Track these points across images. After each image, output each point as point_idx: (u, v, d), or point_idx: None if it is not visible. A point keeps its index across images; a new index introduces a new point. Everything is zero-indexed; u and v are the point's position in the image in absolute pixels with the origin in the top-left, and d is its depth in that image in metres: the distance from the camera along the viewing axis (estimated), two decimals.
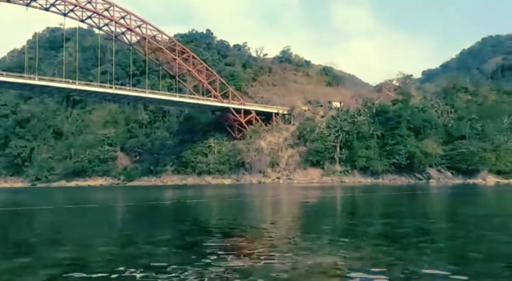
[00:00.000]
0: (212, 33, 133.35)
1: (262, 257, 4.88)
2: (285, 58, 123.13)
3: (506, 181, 60.54)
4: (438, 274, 3.99)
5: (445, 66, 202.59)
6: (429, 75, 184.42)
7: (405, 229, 7.66)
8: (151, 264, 4.55)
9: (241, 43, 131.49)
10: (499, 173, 66.38)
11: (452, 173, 67.70)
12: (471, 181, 61.62)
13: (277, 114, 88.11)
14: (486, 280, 3.80)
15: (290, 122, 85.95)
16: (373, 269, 4.22)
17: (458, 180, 63.70)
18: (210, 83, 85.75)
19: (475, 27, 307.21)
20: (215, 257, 4.90)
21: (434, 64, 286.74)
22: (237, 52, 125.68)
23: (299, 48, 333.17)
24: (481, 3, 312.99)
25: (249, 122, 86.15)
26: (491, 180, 62.86)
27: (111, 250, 5.75)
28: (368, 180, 67.24)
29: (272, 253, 5.15)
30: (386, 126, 73.05)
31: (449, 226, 8.42)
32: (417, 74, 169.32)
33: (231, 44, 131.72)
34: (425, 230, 7.70)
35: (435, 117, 74.46)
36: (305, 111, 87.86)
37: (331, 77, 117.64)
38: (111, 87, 75.68)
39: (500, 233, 7.11)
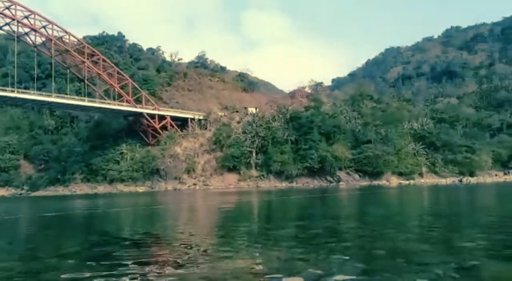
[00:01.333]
0: (124, 36, 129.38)
1: (177, 265, 4.78)
2: (201, 64, 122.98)
3: (407, 182, 65.29)
4: (347, 271, 4.16)
5: (352, 75, 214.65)
6: (338, 83, 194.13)
7: (317, 230, 7.93)
8: (57, 278, 4.25)
9: (154, 47, 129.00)
10: (400, 174, 71.42)
11: (359, 176, 71.57)
12: (376, 182, 65.54)
13: (192, 119, 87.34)
14: (388, 275, 4.02)
15: (206, 128, 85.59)
16: (287, 271, 4.32)
17: (365, 182, 67.41)
18: (122, 87, 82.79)
19: (379, 39, 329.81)
20: (127, 267, 4.71)
21: (343, 72, 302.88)
22: (150, 56, 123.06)
23: (215, 54, 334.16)
24: (385, 17, 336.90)
25: (164, 128, 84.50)
26: (394, 181, 67.41)
27: (12, 266, 5.29)
28: (283, 184, 68.91)
29: (188, 260, 5.06)
30: (299, 132, 75.45)
31: (356, 225, 8.85)
32: (327, 82, 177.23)
33: (144, 47, 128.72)
34: (334, 230, 8.03)
35: (344, 123, 78.28)
36: (221, 116, 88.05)
37: (246, 83, 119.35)
38: (13, 91, 69.97)
39: (400, 230, 7.62)
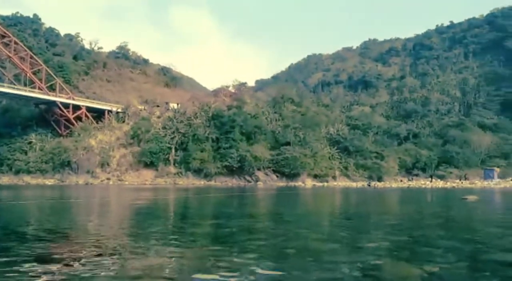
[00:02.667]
0: (40, 19, 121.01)
1: (84, 263, 4.54)
2: (122, 54, 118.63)
3: (321, 184, 67.86)
4: (258, 269, 4.20)
5: (275, 77, 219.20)
6: (261, 84, 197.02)
7: (232, 228, 7.95)
8: None
9: (73, 33, 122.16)
10: (315, 176, 74.12)
11: (277, 176, 73.21)
12: (293, 183, 67.40)
13: (110, 111, 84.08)
14: (296, 273, 4.12)
15: (124, 121, 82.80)
16: (200, 269, 4.28)
17: (282, 183, 69.09)
18: (34, 73, 77.55)
19: (303, 45, 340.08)
20: (28, 264, 4.38)
21: (267, 74, 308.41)
22: (68, 42, 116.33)
23: (138, 46, 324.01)
24: (309, 25, 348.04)
25: (78, 119, 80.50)
26: (309, 183, 69.76)
27: None
28: (201, 182, 68.57)
29: (97, 257, 4.84)
30: (221, 130, 75.54)
31: (271, 225, 9.01)
32: (251, 83, 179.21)
33: (62, 33, 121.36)
34: (249, 229, 8.11)
35: (265, 124, 79.65)
36: (140, 110, 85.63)
37: (169, 77, 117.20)
38: None
39: (312, 230, 7.88)
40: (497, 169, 75.29)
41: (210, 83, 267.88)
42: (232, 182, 70.56)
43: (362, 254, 5.14)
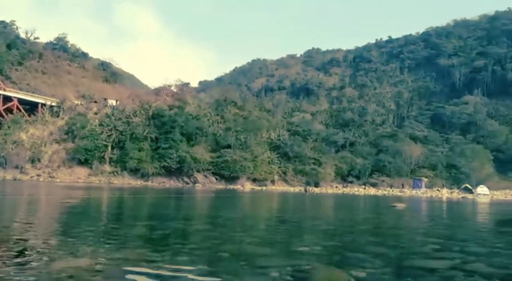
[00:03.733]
0: None
1: (6, 263, 4.27)
2: (60, 46, 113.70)
3: (259, 187, 68.50)
4: (189, 273, 4.16)
5: (219, 80, 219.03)
6: (205, 86, 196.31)
7: (166, 231, 7.82)
8: None
9: (7, 21, 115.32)
10: (254, 180, 74.72)
11: (216, 179, 73.01)
12: (231, 186, 67.48)
13: (44, 105, 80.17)
14: (228, 277, 4.12)
15: (58, 116, 79.18)
16: (129, 272, 4.17)
17: (221, 185, 68.96)
18: None
19: (248, 49, 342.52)
20: None
21: (210, 76, 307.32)
22: (2, 30, 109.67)
23: (78, 39, 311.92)
24: (254, 30, 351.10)
25: (9, 111, 75.96)
26: (248, 186, 70.19)
27: None
28: (138, 182, 66.94)
29: (21, 258, 4.56)
30: (160, 130, 74.24)
31: (206, 228, 8.95)
32: (194, 83, 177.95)
33: None
34: (184, 231, 8.01)
35: (207, 125, 79.26)
36: (77, 105, 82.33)
37: (109, 73, 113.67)
38: None
39: (247, 234, 7.92)
40: (425, 179, 79.58)
41: (152, 81, 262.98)
42: (170, 183, 69.50)
43: (294, 258, 5.23)
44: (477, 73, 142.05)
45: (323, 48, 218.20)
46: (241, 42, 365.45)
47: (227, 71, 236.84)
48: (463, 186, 70.30)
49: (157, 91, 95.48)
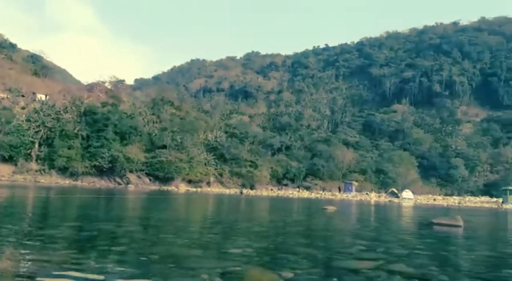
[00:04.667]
0: None
1: None
2: None
3: (194, 189, 67.88)
4: (116, 276, 4.02)
5: (156, 78, 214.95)
6: (141, 84, 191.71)
7: (93, 232, 7.53)
8: None
9: None
10: (190, 182, 73.98)
11: (150, 179, 71.47)
12: (166, 188, 66.33)
13: None
14: (156, 279, 4.04)
15: None
16: (51, 274, 3.96)
17: (155, 186, 67.59)
18: None
19: (187, 49, 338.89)
20: None
21: (147, 74, 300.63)
22: None
23: (6, 29, 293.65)
24: (195, 30, 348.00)
25: None
26: (183, 188, 69.28)
27: None
28: (66, 181, 63.96)
29: None
30: (92, 127, 71.52)
31: (137, 229, 8.72)
32: (130, 81, 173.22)
33: None
34: (113, 233, 7.74)
35: (142, 125, 77.41)
36: (2, 98, 77.28)
37: (39, 66, 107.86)
38: None
39: (179, 236, 7.80)
40: (355, 183, 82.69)
41: (85, 77, 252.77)
42: (101, 183, 67.07)
43: (225, 260, 5.22)
44: (406, 83, 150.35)
45: (263, 52, 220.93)
46: (180, 41, 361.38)
47: (165, 70, 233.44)
48: (390, 190, 73.90)
49: (90, 87, 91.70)
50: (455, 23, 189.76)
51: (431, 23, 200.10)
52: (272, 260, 5.40)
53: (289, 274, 4.47)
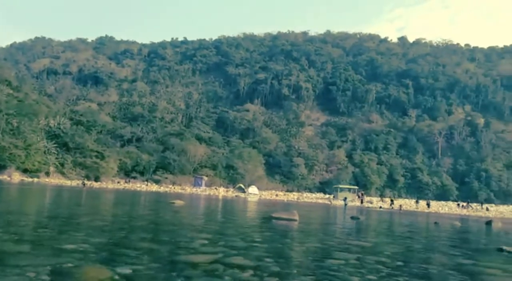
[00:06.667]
0: None
1: None
2: None
3: (31, 179, 61.85)
4: None
5: None
6: None
7: None
8: None
9: None
10: (25, 171, 67.12)
11: None
12: None
13: None
14: None
15: None
16: None
17: None
18: None
19: (31, 24, 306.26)
20: None
21: None
22: None
23: None
24: (39, 5, 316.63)
25: None
26: (17, 177, 62.66)
27: None
28: None
29: None
30: None
31: None
32: None
33: None
34: None
35: None
36: None
37: None
38: None
39: (5, 230, 7.02)
40: (205, 178, 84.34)
41: None
42: None
43: (57, 257, 4.85)
44: (259, 84, 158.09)
45: (117, 38, 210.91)
46: (23, 15, 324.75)
47: (3, 46, 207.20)
48: (237, 185, 77.12)
49: None
50: (304, 33, 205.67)
51: (284, 30, 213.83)
52: (110, 256, 5.19)
53: (127, 270, 4.35)
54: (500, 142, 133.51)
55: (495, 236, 15.46)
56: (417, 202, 65.28)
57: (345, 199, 52.48)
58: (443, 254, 8.10)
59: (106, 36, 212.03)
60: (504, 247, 9.00)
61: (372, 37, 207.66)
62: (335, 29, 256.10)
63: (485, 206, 68.33)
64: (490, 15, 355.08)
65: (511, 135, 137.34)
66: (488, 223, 23.49)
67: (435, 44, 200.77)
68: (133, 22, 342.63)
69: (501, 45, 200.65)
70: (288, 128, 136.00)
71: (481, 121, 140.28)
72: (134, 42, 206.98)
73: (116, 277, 4.07)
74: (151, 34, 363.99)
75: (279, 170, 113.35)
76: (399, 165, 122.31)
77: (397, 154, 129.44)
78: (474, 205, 68.34)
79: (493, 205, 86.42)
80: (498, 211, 59.06)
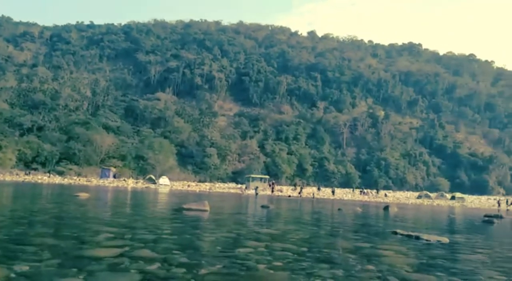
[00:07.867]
0: None
1: None
2: None
3: None
4: None
5: None
6: None
7: None
8: None
9: None
10: None
11: None
12: None
13: None
14: None
15: None
16: None
17: None
18: None
19: None
20: None
21: None
22: None
23: None
24: None
25: None
26: None
27: None
28: None
29: None
30: None
31: None
32: None
33: None
34: None
35: None
36: None
37: None
38: None
39: None
40: (113, 169, 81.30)
41: None
42: None
43: None
44: (170, 73, 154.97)
45: (16, 19, 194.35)
46: None
47: None
48: (148, 176, 75.42)
49: None
50: (217, 22, 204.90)
51: (196, 18, 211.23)
52: (4, 253, 4.90)
53: (23, 267, 4.16)
54: (398, 133, 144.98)
55: (391, 220, 16.82)
56: (318, 189, 70.49)
57: (256, 188, 53.61)
58: (345, 238, 8.70)
59: (3, 16, 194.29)
60: (398, 230, 9.89)
61: (283, 30, 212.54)
62: (248, 20, 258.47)
63: (382, 192, 74.03)
64: (392, 14, 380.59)
65: (407, 126, 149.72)
66: (386, 208, 25.56)
67: (341, 40, 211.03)
68: (34, 2, 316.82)
69: (400, 42, 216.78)
70: (201, 118, 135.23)
71: (381, 113, 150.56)
72: (35, 24, 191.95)
73: (13, 275, 3.88)
74: (54, 16, 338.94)
75: (191, 160, 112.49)
76: (308, 154, 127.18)
77: (306, 144, 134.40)
78: (370, 191, 73.52)
79: (390, 191, 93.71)
80: (395, 197, 64.46)
